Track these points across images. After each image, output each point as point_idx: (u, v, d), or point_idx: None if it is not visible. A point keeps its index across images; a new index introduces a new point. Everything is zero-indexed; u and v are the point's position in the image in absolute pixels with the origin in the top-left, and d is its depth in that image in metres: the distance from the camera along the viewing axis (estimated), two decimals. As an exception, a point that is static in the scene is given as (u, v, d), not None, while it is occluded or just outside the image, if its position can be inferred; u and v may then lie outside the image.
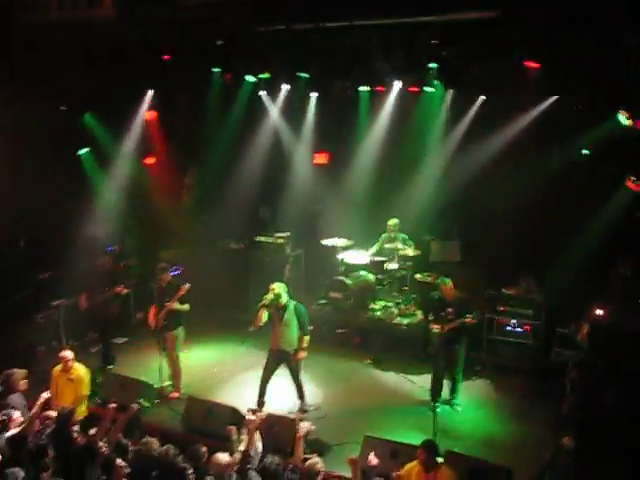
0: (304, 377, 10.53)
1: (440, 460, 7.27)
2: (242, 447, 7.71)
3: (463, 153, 12.86)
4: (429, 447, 7.13)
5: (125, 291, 11.85)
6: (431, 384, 10.36)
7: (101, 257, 12.01)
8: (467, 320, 9.95)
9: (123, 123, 13.89)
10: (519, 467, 8.24)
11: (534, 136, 11.72)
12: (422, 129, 13.15)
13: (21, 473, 7.07)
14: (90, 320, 12.03)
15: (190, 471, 7.14)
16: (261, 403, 10.09)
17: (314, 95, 13.79)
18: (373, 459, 7.19)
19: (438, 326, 10.15)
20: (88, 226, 13.65)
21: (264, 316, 9.93)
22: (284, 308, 9.93)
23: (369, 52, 11.08)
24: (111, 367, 11.71)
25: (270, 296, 9.88)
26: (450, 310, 10.08)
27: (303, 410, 10.20)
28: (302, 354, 10.06)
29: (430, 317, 10.43)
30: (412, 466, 7.23)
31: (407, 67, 11.09)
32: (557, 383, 10.10)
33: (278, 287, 9.95)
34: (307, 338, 10.02)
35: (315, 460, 7.10)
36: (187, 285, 10.81)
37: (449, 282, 10.22)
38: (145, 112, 14.15)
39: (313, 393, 10.85)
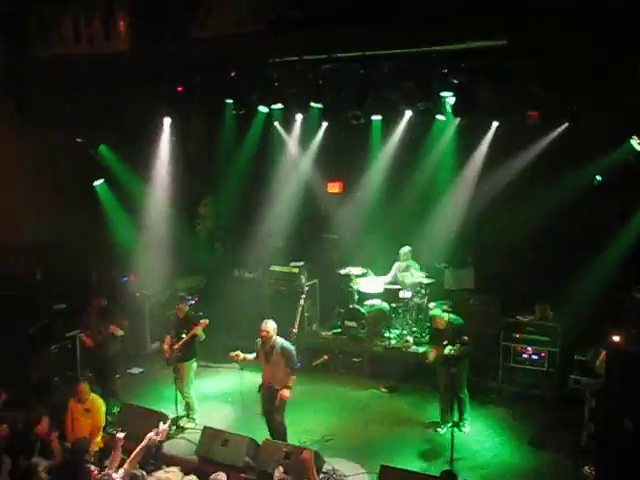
0: (316, 406, 10.47)
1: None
2: None
3: (477, 181, 12.89)
4: (448, 477, 7.05)
5: (120, 332, 11.35)
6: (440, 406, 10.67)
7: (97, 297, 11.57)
8: (448, 350, 10.15)
9: (141, 154, 13.96)
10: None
11: (548, 163, 11.71)
12: (435, 157, 13.17)
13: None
14: (88, 359, 11.84)
15: None
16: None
17: (326, 124, 13.88)
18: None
19: (432, 352, 10.45)
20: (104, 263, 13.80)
21: (250, 357, 9.96)
22: (272, 348, 9.73)
23: (381, 81, 11.13)
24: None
25: (259, 340, 9.80)
26: (445, 337, 10.33)
27: None
28: (286, 393, 9.65)
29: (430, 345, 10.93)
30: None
31: (419, 96, 11.10)
32: (575, 411, 9.99)
33: (268, 324, 9.72)
34: (293, 377, 9.72)
35: None
36: (206, 321, 10.85)
37: (439, 315, 10.59)
38: (166, 141, 14.19)
39: (328, 422, 10.84)
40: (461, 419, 10.51)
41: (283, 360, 9.65)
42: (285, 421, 9.87)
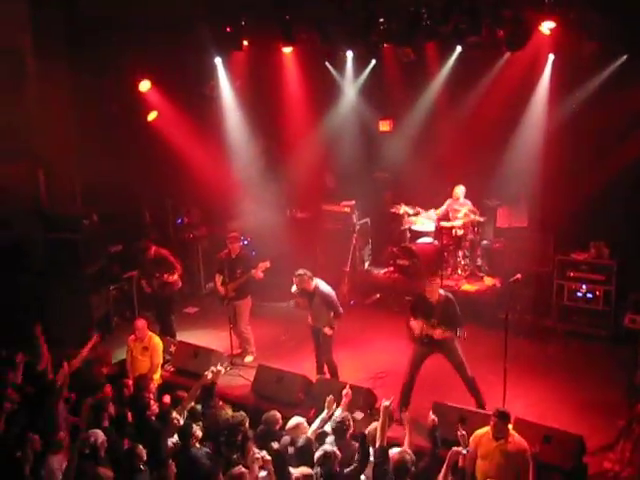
0: (369, 344, 10.58)
1: (510, 428, 7.25)
2: (325, 415, 7.91)
3: (530, 117, 12.63)
4: (500, 414, 7.07)
5: (175, 278, 11.40)
6: (400, 393, 9.35)
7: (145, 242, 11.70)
8: (437, 335, 9.03)
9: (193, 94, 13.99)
10: (592, 435, 8.19)
11: (606, 98, 11.39)
12: (486, 93, 12.90)
13: (102, 435, 7.33)
14: (146, 299, 12.11)
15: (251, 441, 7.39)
16: (322, 373, 10.23)
17: (374, 62, 13.73)
18: (432, 417, 7.39)
19: (419, 324, 9.19)
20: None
21: (301, 302, 10.11)
22: (312, 294, 9.89)
23: (431, 16, 10.87)
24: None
25: (294, 287, 9.94)
26: (434, 313, 9.11)
27: None
28: (328, 330, 9.86)
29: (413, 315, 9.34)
30: (482, 432, 7.21)
31: (470, 31, 10.83)
32: (630, 349, 9.92)
33: (299, 278, 9.85)
34: (336, 320, 9.89)
35: None
36: (267, 263, 10.85)
37: (437, 282, 9.48)
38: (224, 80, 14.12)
39: (380, 359, 10.94)
40: (482, 403, 9.16)
41: (325, 305, 9.84)
42: (333, 358, 10.06)
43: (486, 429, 7.19)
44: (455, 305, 9.19)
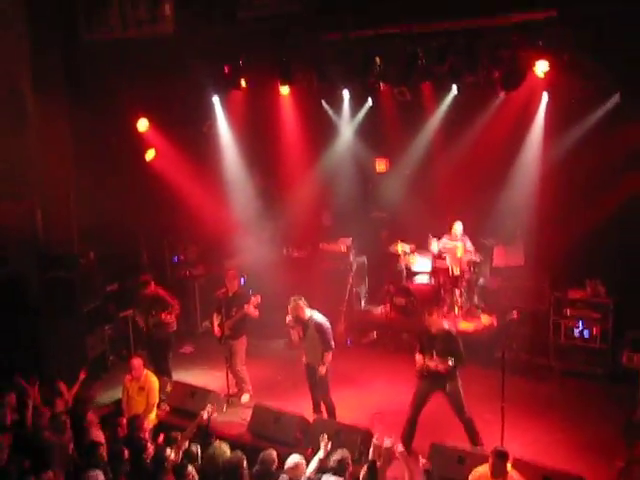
0: (365, 383, 10.56)
1: (509, 467, 7.20)
2: (321, 455, 7.84)
3: (525, 155, 12.75)
4: (499, 453, 7.04)
5: (172, 319, 11.34)
6: (404, 429, 9.35)
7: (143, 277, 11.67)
8: (434, 366, 8.97)
9: (190, 133, 14.08)
10: (591, 475, 8.12)
11: (600, 136, 11.51)
12: (481, 132, 13.03)
13: (101, 476, 7.27)
14: (142, 339, 11.99)
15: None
16: (319, 412, 10.15)
17: (370, 102, 13.90)
18: (423, 462, 7.42)
19: (420, 359, 9.22)
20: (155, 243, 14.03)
21: (295, 335, 9.97)
22: (306, 324, 9.85)
23: (427, 56, 11.03)
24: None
25: (288, 317, 9.88)
26: (435, 344, 9.08)
27: None
28: (322, 369, 9.76)
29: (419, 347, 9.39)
30: (481, 471, 7.16)
31: (465, 70, 10.97)
32: (628, 387, 9.90)
33: (294, 304, 9.83)
34: (328, 354, 9.77)
35: None
36: (258, 297, 10.86)
37: (435, 315, 9.32)
38: (222, 119, 14.30)
39: (377, 399, 10.89)
40: (478, 442, 9.11)
41: (318, 336, 9.76)
42: (331, 398, 10.00)
43: (484, 468, 7.14)
44: (456, 338, 9.12)
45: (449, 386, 9.10)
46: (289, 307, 9.88)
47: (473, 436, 9.12)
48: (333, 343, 9.91)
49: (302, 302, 9.84)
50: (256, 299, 10.84)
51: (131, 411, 9.63)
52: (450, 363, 8.87)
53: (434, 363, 8.98)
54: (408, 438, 9.25)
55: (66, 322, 11.64)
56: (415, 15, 10.64)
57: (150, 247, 14.50)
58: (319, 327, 9.80)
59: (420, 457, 7.53)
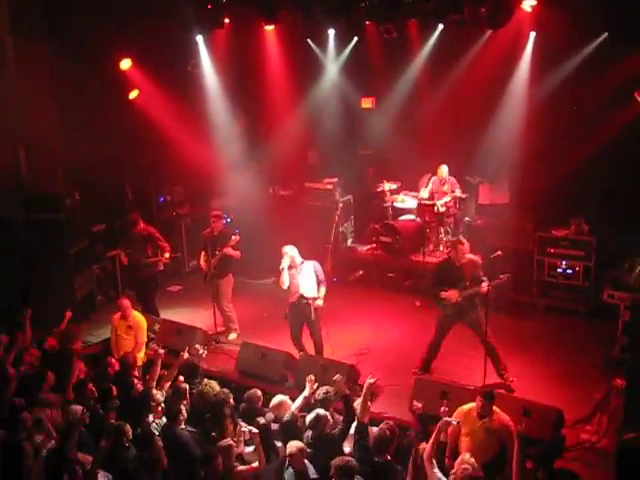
0: (351, 321, 10.79)
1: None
2: (306, 393, 7.95)
3: (511, 94, 12.72)
4: (487, 395, 7.13)
5: (167, 257, 11.44)
6: (427, 353, 9.76)
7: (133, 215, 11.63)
8: (483, 288, 9.08)
9: (175, 72, 13.91)
10: (570, 408, 8.32)
11: (586, 75, 11.48)
12: (468, 69, 12.96)
13: (80, 410, 7.42)
14: (130, 278, 12.04)
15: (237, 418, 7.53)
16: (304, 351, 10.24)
17: (356, 39, 13.75)
18: (416, 406, 7.44)
19: (450, 294, 9.31)
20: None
21: (286, 277, 9.87)
22: (300, 264, 9.88)
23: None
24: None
25: (286, 260, 9.83)
26: (464, 276, 9.28)
27: None
28: (319, 302, 9.82)
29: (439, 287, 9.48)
30: (466, 409, 7.23)
31: (452, 8, 10.84)
32: (609, 324, 10.08)
33: (290, 249, 9.85)
34: (323, 290, 9.85)
35: None
36: (237, 237, 10.93)
37: (468, 247, 9.47)
38: (206, 57, 14.14)
39: (363, 336, 11.05)
40: (503, 368, 9.44)
41: (313, 275, 9.83)
42: (320, 335, 10.09)
43: (470, 406, 7.24)
44: (480, 266, 9.40)
45: (472, 314, 9.35)
46: (284, 250, 9.82)
47: (495, 360, 9.36)
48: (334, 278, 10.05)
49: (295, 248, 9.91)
50: (234, 239, 10.89)
51: (120, 350, 9.72)
52: (486, 287, 9.04)
53: (482, 286, 9.08)
54: (427, 362, 9.66)
55: (53, 263, 11.64)
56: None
57: (136, 187, 14.43)
58: (315, 266, 9.90)
59: (414, 402, 7.64)
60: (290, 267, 9.81)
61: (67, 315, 10.04)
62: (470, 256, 9.46)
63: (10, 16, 11.83)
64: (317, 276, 9.86)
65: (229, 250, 10.91)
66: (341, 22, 12.26)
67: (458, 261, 9.38)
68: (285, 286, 9.88)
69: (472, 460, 6.20)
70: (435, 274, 9.85)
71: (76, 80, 12.46)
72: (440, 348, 9.69)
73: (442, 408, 7.15)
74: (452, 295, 9.27)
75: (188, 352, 8.71)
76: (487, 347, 9.33)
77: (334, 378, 7.67)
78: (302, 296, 9.83)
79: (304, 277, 9.83)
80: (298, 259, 9.86)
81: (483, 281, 9.13)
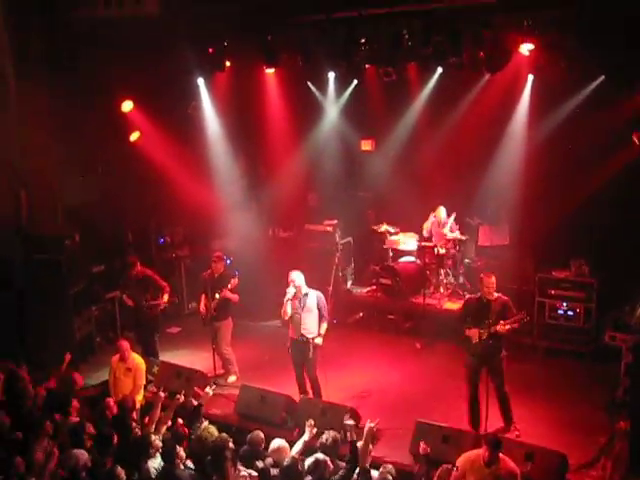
0: (351, 363, 10.74)
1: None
2: (306, 437, 7.89)
3: (510, 135, 12.82)
4: (493, 443, 7.03)
5: (165, 300, 11.40)
6: (469, 410, 9.24)
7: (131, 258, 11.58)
8: (501, 326, 8.75)
9: (175, 114, 14.00)
10: (573, 452, 8.23)
11: (584, 117, 11.59)
12: (467, 113, 13.07)
13: (85, 456, 7.31)
14: (129, 320, 11.92)
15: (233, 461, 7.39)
16: (305, 392, 10.13)
17: (356, 82, 13.88)
18: (423, 447, 7.35)
19: (472, 332, 8.99)
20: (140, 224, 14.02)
21: (289, 308, 9.85)
22: (305, 296, 9.87)
23: (411, 37, 11.03)
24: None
25: (291, 290, 9.82)
26: (490, 312, 8.92)
27: None
28: (319, 340, 9.81)
29: (467, 322, 9.13)
30: (472, 456, 7.16)
31: (449, 51, 10.96)
32: (611, 367, 10.01)
33: (297, 277, 9.85)
34: (325, 325, 9.87)
35: None
36: (236, 280, 10.88)
37: (493, 279, 9.07)
38: (207, 100, 14.23)
39: (363, 378, 10.96)
40: (511, 422, 9.21)
41: (315, 309, 9.80)
42: (317, 376, 10.00)
43: (476, 453, 7.17)
44: (510, 306, 9.02)
45: (496, 360, 9.01)
46: (293, 278, 9.82)
47: (507, 412, 9.16)
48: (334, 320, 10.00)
49: (302, 275, 9.91)
50: (233, 282, 10.86)
51: (118, 392, 9.64)
52: (503, 323, 8.71)
53: (499, 326, 8.74)
54: (475, 420, 9.14)
55: (52, 304, 11.60)
56: None
57: (135, 229, 14.45)
58: (319, 298, 9.88)
59: (422, 443, 7.54)
60: (295, 296, 9.80)
61: (67, 357, 9.96)
62: (500, 295, 9.10)
63: (13, 56, 11.96)
64: (320, 310, 9.84)
65: (227, 293, 10.87)
66: (341, 65, 12.39)
67: (487, 297, 9.02)
68: (287, 317, 9.86)
69: None
70: (462, 310, 9.51)
71: (77, 121, 12.56)
72: (479, 400, 9.13)
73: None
74: (474, 333, 8.96)
75: (184, 395, 8.65)
76: (501, 397, 9.12)
77: (346, 422, 7.53)
78: (302, 335, 9.82)
79: (307, 312, 9.80)
80: (304, 289, 9.84)
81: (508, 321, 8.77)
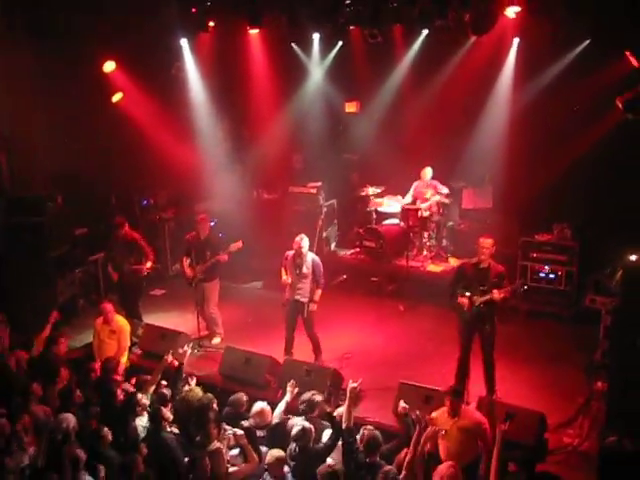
0: (335, 325, 10.85)
1: (472, 405, 7.39)
2: (288, 398, 7.98)
3: (495, 99, 12.79)
4: (455, 393, 7.24)
5: (148, 266, 11.31)
6: (457, 372, 9.14)
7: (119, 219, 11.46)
8: (494, 294, 8.70)
9: (158, 74, 13.86)
10: (552, 411, 8.36)
11: (569, 81, 11.55)
12: (452, 75, 13.02)
13: (73, 419, 7.36)
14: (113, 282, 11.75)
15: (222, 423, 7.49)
16: (290, 353, 10.25)
17: (341, 43, 13.79)
18: (402, 406, 7.49)
19: (462, 301, 8.94)
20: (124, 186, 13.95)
21: (284, 273, 10.14)
22: (303, 261, 10.01)
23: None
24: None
25: (291, 251, 10.00)
26: (487, 280, 8.84)
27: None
28: (313, 306, 10.02)
29: (459, 290, 9.03)
30: (438, 413, 7.30)
31: (436, 14, 10.87)
32: (591, 329, 10.13)
33: (304, 240, 10.00)
34: (319, 292, 10.04)
35: None
36: (240, 242, 10.89)
37: (490, 242, 9.06)
38: (190, 61, 14.11)
39: (347, 340, 11.04)
40: (493, 391, 9.10)
41: (311, 274, 9.95)
42: (316, 332, 10.22)
43: (440, 410, 7.31)
44: (505, 275, 8.99)
45: (488, 328, 9.04)
46: (299, 242, 9.95)
47: (490, 379, 9.14)
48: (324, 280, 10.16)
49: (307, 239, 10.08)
50: (237, 244, 10.87)
51: (102, 355, 9.68)
52: (498, 294, 8.65)
53: (494, 294, 8.68)
54: (461, 383, 8.91)
55: (34, 267, 11.52)
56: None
57: (119, 191, 14.37)
58: (316, 264, 10.03)
59: (400, 402, 7.66)
60: (292, 259, 9.99)
61: (51, 319, 9.95)
62: (495, 263, 9.02)
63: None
64: (315, 274, 10.01)
65: (224, 256, 10.86)
66: (326, 27, 12.29)
67: (483, 262, 8.96)
68: (288, 280, 10.09)
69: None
70: (456, 273, 9.42)
71: (59, 82, 12.43)
72: (469, 365, 9.15)
73: (415, 413, 7.18)
74: (464, 302, 8.92)
75: (172, 355, 8.71)
76: (488, 363, 9.17)
77: (315, 399, 7.61)
78: (296, 299, 10.05)
79: (302, 276, 9.98)
80: (305, 252, 10.01)
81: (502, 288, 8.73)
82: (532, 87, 12.07)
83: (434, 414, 7.28)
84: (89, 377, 8.79)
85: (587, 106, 11.38)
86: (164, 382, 8.45)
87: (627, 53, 9.92)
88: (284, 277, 10.17)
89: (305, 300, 10.01)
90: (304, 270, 9.97)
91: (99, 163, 13.31)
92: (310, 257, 10.05)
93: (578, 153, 11.49)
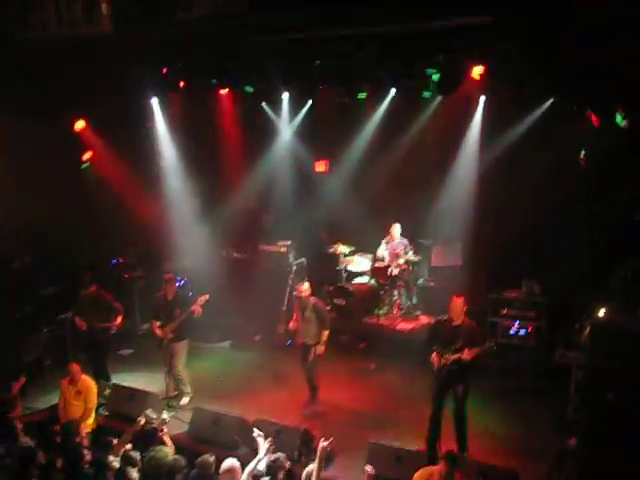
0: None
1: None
2: (261, 457, 7.81)
3: (463, 157, 12.98)
4: (451, 459, 7.13)
5: (119, 322, 11.26)
6: (429, 430, 9.10)
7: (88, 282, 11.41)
8: (464, 354, 8.72)
9: (129, 135, 13.91)
10: (525, 469, 8.30)
11: (534, 138, 11.78)
12: (420, 134, 13.21)
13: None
14: (80, 341, 11.65)
15: None
16: (315, 397, 10.60)
17: (310, 103, 13.96)
18: (369, 470, 7.28)
19: (433, 358, 8.94)
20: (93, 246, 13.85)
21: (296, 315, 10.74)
22: (307, 305, 10.46)
23: (365, 59, 11.13)
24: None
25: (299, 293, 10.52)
26: (458, 338, 8.84)
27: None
28: (321, 348, 10.41)
29: (434, 347, 9.04)
30: (428, 474, 7.20)
31: (403, 73, 11.09)
32: (562, 384, 10.12)
33: (305, 285, 10.58)
34: (326, 333, 10.40)
35: None
36: (207, 295, 10.89)
37: (460, 301, 9.11)
38: (160, 120, 14.21)
39: (319, 399, 10.89)
40: (464, 448, 9.09)
41: (315, 316, 10.36)
42: (317, 378, 10.59)
43: (432, 469, 7.23)
44: (478, 332, 9.05)
45: (460, 387, 8.98)
46: (300, 287, 10.58)
47: (461, 437, 9.10)
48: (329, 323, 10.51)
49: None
50: (204, 297, 10.88)
51: (68, 416, 9.48)
52: (466, 352, 8.64)
53: (464, 353, 8.68)
54: (432, 440, 9.02)
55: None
56: (353, 19, 10.68)
57: (88, 249, 14.26)
58: (320, 307, 10.54)
59: (366, 466, 7.50)
60: (298, 305, 10.57)
61: (20, 380, 9.71)
62: (469, 320, 9.08)
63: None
64: (320, 317, 10.44)
65: (197, 307, 10.81)
66: (295, 86, 12.45)
67: (454, 321, 9.00)
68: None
69: None
70: (430, 331, 9.51)
71: (29, 141, 12.39)
72: (440, 422, 9.09)
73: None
74: (434, 360, 8.93)
75: (145, 418, 8.54)
76: (459, 420, 9.12)
77: (320, 444, 7.41)
78: (304, 342, 10.54)
79: (307, 321, 10.47)
80: (309, 298, 10.50)
81: (475, 347, 8.73)
82: (499, 144, 12.28)
83: (420, 474, 7.20)
84: (53, 440, 8.55)
85: (553, 163, 11.55)
86: (129, 446, 8.24)
87: (589, 113, 10.17)
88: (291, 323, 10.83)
89: (312, 343, 10.38)
90: (306, 314, 10.41)
91: (68, 222, 13.22)
92: (312, 301, 10.47)
93: (545, 210, 11.68)
